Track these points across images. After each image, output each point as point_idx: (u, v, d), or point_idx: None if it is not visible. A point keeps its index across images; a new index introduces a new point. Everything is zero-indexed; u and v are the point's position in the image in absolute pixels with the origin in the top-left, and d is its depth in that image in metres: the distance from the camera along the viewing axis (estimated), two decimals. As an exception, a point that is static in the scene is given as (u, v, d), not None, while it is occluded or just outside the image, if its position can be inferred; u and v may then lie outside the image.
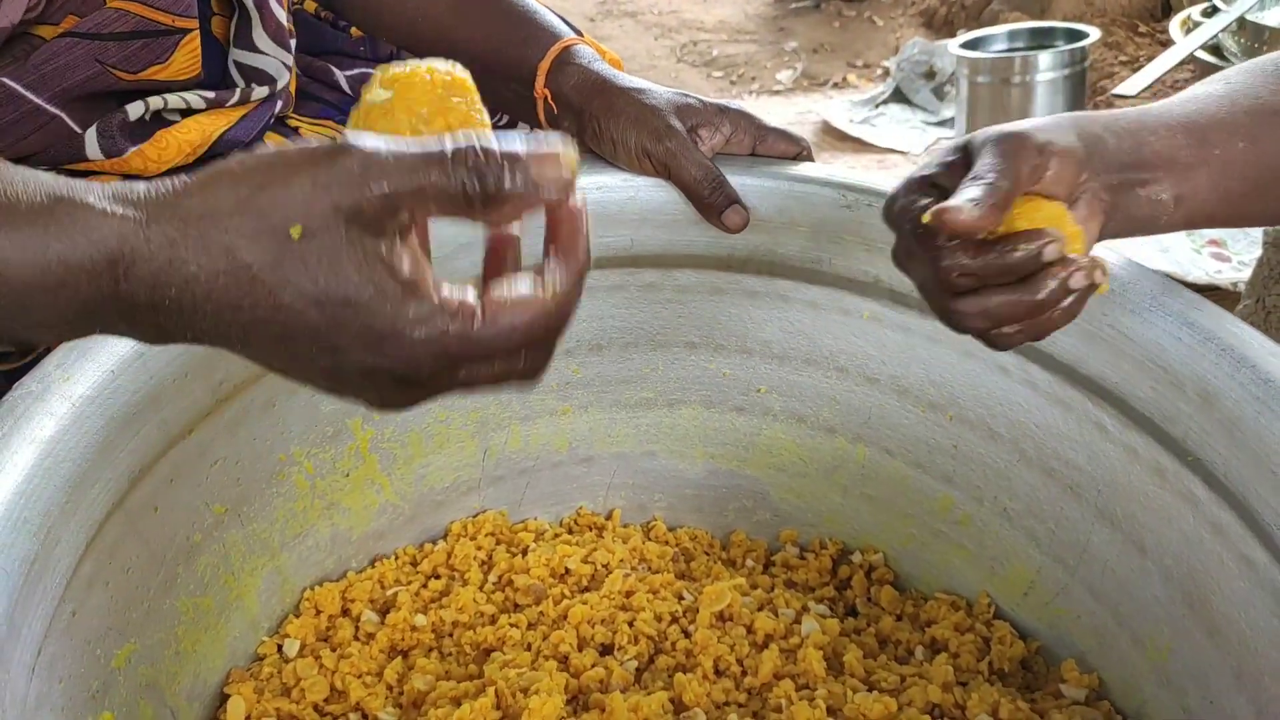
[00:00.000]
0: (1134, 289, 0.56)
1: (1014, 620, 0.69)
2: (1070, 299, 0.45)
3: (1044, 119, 0.48)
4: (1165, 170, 0.49)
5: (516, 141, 0.35)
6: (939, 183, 0.48)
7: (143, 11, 0.62)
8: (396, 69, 0.40)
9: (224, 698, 0.61)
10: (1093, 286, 0.45)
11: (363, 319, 0.34)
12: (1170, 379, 0.55)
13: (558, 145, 0.35)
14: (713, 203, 0.66)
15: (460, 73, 0.41)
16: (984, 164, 0.45)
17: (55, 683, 0.45)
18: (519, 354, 0.36)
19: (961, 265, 0.44)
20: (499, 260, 0.39)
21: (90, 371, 0.48)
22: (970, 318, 0.45)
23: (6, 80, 0.60)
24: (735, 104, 0.70)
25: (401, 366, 0.35)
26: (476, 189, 0.34)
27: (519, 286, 0.36)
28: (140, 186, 0.36)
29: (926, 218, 0.44)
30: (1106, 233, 0.50)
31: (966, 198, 0.43)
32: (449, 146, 0.34)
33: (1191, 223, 0.52)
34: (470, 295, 0.35)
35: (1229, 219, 0.53)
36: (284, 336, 0.35)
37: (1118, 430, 0.59)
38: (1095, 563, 0.63)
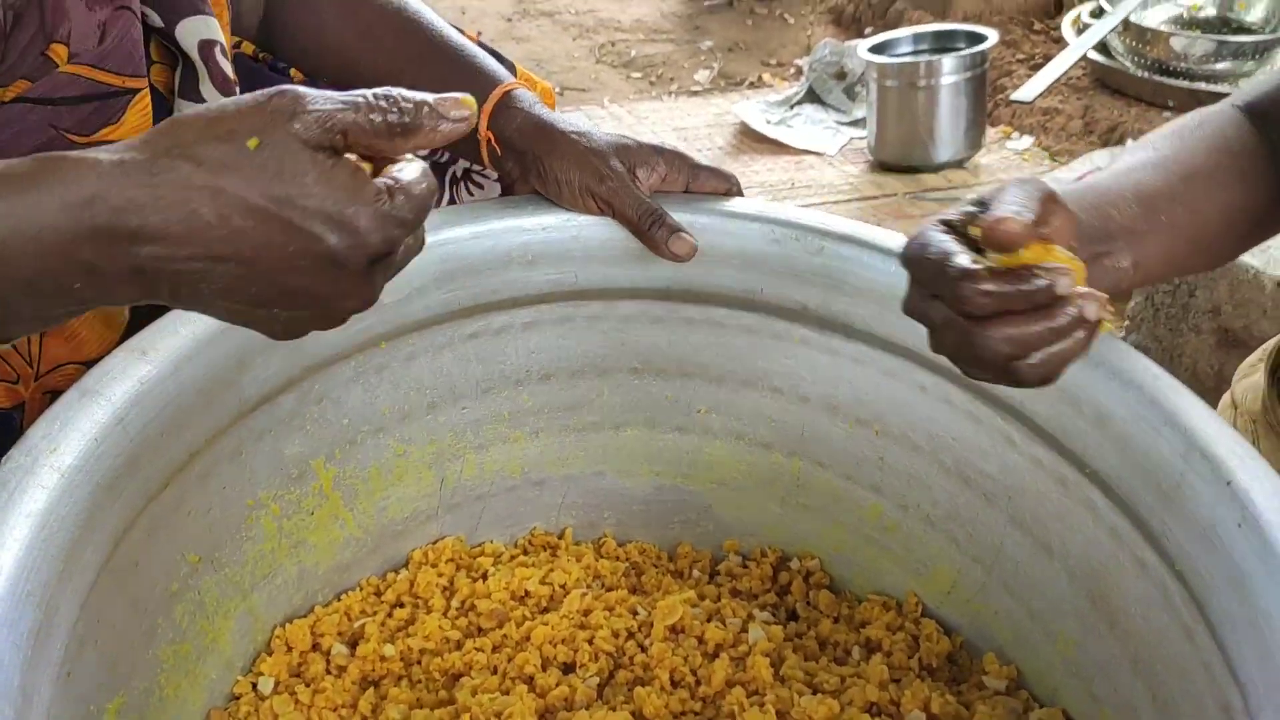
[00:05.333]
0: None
1: (939, 617, 0.75)
2: (1083, 331, 0.47)
3: None
4: (1124, 240, 0.55)
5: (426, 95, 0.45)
6: (958, 229, 0.50)
7: (92, 75, 0.63)
8: None
9: (204, 737, 0.64)
10: (1099, 323, 0.47)
11: (320, 203, 0.42)
12: (1068, 400, 0.61)
13: (459, 95, 0.45)
14: (657, 235, 0.70)
15: None
16: (1011, 193, 0.48)
17: (56, 742, 0.47)
18: (424, 215, 0.45)
19: (983, 289, 0.46)
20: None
21: (75, 440, 0.50)
22: (997, 342, 0.46)
23: None
24: (669, 145, 0.75)
25: (359, 237, 0.42)
26: (396, 118, 0.43)
27: (410, 168, 0.45)
28: (106, 148, 0.43)
29: (976, 230, 0.47)
30: None
31: (1007, 210, 0.46)
32: (371, 92, 0.43)
33: (1145, 283, 0.58)
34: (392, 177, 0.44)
35: (1169, 275, 0.60)
36: (246, 240, 0.41)
37: (1024, 443, 0.66)
38: (1009, 563, 0.69)
